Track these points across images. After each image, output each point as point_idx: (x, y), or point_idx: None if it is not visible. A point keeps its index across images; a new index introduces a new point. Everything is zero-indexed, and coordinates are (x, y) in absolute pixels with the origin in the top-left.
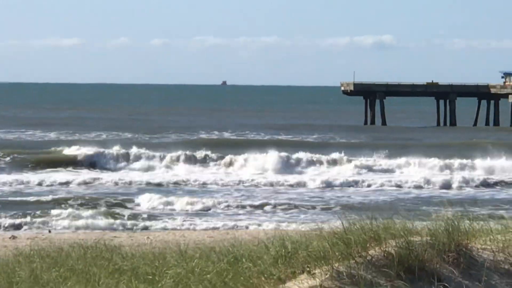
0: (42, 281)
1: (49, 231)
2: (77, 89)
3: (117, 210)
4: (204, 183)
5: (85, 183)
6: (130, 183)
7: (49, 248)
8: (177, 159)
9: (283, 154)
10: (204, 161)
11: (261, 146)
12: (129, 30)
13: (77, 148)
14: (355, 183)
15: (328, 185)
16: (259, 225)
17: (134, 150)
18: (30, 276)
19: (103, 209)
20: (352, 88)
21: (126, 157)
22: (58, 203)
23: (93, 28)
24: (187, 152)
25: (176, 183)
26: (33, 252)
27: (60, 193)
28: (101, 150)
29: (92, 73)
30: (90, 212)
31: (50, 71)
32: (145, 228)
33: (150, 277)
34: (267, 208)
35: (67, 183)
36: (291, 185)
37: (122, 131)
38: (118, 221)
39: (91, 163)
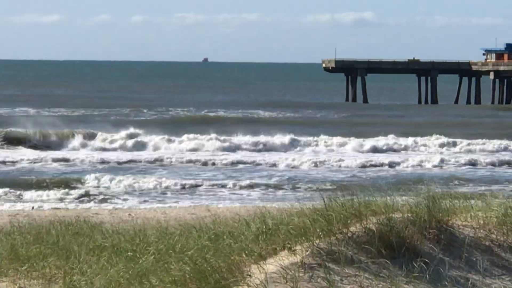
0: (22, 258)
1: (32, 208)
2: (56, 66)
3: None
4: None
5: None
6: (81, 161)
7: (30, 225)
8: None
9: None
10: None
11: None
12: (109, 7)
13: None
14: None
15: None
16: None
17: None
18: (10, 253)
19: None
20: (333, 65)
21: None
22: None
23: (73, 5)
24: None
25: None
26: (14, 228)
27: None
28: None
29: (72, 50)
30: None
31: (30, 48)
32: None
33: (131, 253)
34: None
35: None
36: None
37: (68, 108)
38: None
39: None
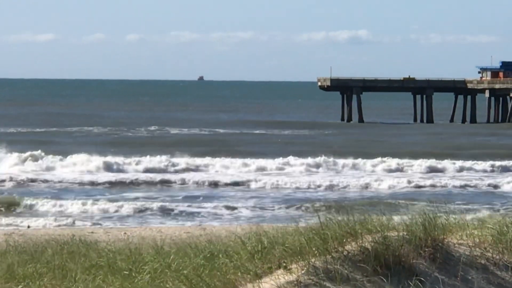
0: (18, 277)
1: (28, 227)
2: (51, 84)
3: None
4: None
5: None
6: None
7: (26, 244)
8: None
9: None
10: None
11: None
12: (104, 25)
13: None
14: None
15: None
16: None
17: None
18: (6, 272)
19: None
20: (328, 83)
21: None
22: None
23: (68, 23)
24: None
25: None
26: (9, 247)
27: None
28: None
29: (67, 68)
30: None
31: (25, 67)
32: None
33: (127, 272)
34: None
35: None
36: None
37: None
38: None
39: None
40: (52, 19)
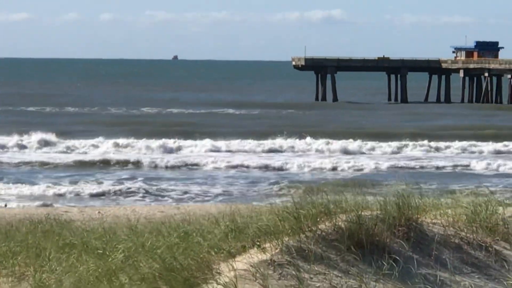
0: None
1: (5, 205)
2: (23, 64)
3: None
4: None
5: None
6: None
7: (0, 223)
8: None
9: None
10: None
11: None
12: (78, 5)
13: None
14: None
15: None
16: None
17: None
18: None
19: None
20: (303, 63)
21: None
22: None
23: (42, 3)
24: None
25: None
26: None
27: None
28: None
29: (41, 48)
30: None
31: None
32: None
33: (101, 251)
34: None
35: None
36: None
37: None
38: None
39: None
40: None
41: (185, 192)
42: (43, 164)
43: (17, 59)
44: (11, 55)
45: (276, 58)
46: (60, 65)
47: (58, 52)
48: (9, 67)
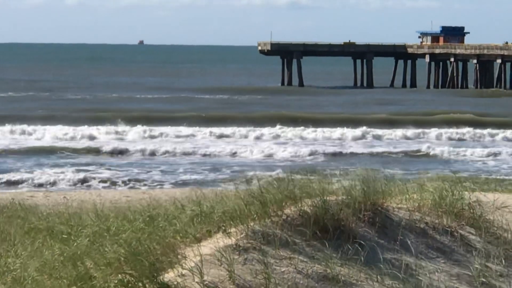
0: None
1: None
2: None
3: None
4: None
5: None
6: None
7: None
8: None
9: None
10: None
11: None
12: None
13: None
14: None
15: None
16: None
17: None
18: None
19: None
20: (269, 47)
21: None
22: None
23: None
24: None
25: None
26: None
27: None
28: None
29: (6, 32)
30: None
31: None
32: None
33: (66, 236)
34: None
35: None
36: None
37: None
38: None
39: None
40: None
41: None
42: None
43: None
44: None
45: (242, 43)
46: (24, 49)
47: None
48: None
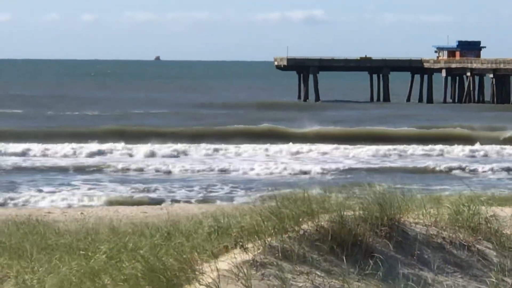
0: None
1: None
2: (4, 64)
3: None
4: None
5: None
6: None
7: None
8: None
9: None
10: None
11: None
12: (59, 5)
13: None
14: None
15: None
16: None
17: None
18: None
19: None
20: (285, 63)
21: None
22: None
23: (24, 3)
24: None
25: None
26: None
27: None
28: None
29: (22, 48)
30: None
31: None
32: None
33: (83, 252)
34: None
35: None
36: None
37: None
38: None
39: None
40: None
41: None
42: None
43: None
44: None
45: (258, 58)
46: (43, 66)
47: (39, 53)
48: None
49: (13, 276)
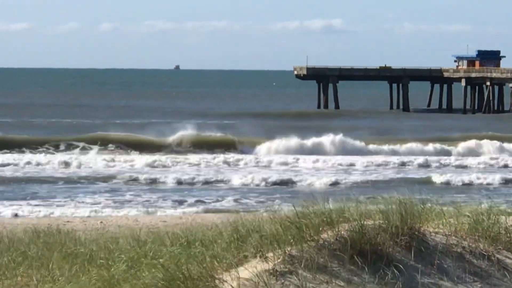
0: None
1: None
2: (24, 74)
3: None
4: None
5: None
6: None
7: (1, 233)
8: None
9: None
10: None
11: None
12: (77, 14)
13: None
14: None
15: None
16: None
17: None
18: None
19: None
20: (305, 72)
21: None
22: None
23: (41, 12)
24: None
25: None
26: None
27: None
28: None
29: (41, 58)
30: None
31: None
32: None
33: (103, 261)
34: None
35: None
36: None
37: None
38: None
39: None
40: (26, 8)
41: None
42: None
43: (16, 69)
44: (11, 65)
45: (277, 67)
46: (63, 75)
47: (58, 62)
48: (9, 77)
49: (33, 285)
